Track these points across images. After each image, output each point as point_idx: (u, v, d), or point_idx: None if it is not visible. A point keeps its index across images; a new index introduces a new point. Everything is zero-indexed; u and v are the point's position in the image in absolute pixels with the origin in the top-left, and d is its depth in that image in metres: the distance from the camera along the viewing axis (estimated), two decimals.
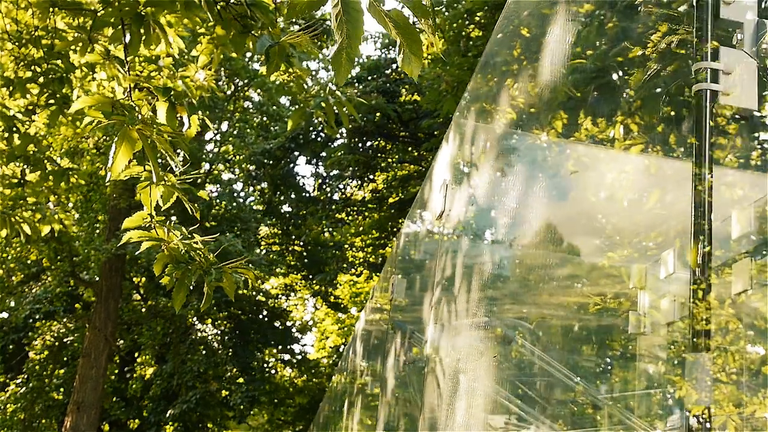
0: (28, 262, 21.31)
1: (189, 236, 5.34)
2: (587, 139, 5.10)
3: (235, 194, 25.86)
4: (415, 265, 6.65)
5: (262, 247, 28.08)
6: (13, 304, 21.87)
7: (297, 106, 9.01)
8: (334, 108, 8.22)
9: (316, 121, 8.00)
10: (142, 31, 5.87)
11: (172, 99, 5.66)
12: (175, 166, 5.30)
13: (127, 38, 5.88)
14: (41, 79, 8.62)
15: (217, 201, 24.25)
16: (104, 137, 14.99)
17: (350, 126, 23.09)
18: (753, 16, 2.93)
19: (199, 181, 25.43)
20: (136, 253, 5.42)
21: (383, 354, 6.97)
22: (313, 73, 26.74)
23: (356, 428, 8.73)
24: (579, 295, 5.99)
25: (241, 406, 23.39)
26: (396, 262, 7.46)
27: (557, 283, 5.63)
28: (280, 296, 30.71)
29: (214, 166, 26.94)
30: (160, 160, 5.12)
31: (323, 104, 8.23)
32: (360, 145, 24.58)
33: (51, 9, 7.10)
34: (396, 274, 6.77)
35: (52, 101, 8.77)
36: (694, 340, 2.94)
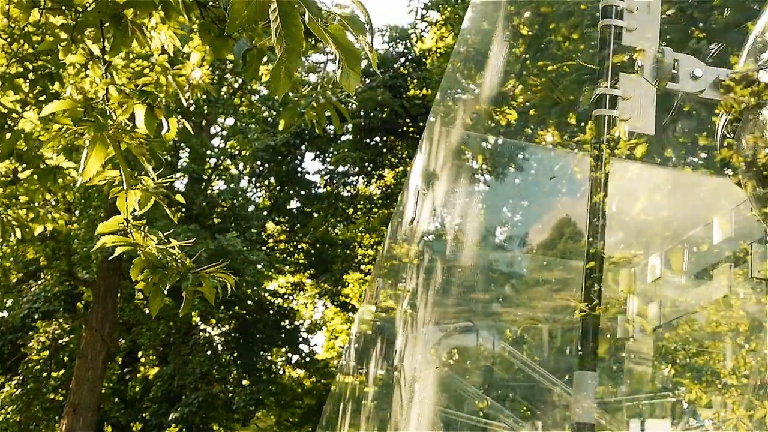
0: (28, 260, 21.38)
1: (165, 240, 5.46)
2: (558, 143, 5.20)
3: (239, 191, 25.91)
4: (394, 271, 6.76)
5: (269, 244, 28.15)
6: (10, 303, 21.93)
7: (288, 105, 9.11)
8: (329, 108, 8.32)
9: (312, 120, 8.08)
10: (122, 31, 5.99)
11: (150, 102, 5.76)
12: (152, 170, 5.42)
13: (109, 39, 6.02)
14: (31, 75, 8.74)
15: (222, 198, 24.31)
16: None
17: (353, 122, 23.16)
18: (654, 43, 3.04)
19: (205, 176, 25.54)
20: (111, 256, 5.53)
21: (368, 358, 7.08)
22: (321, 66, 26.81)
23: (347, 431, 8.85)
24: (555, 299, 6.08)
25: (244, 409, 23.45)
26: (380, 266, 7.57)
27: (527, 288, 5.73)
28: (287, 295, 30.72)
29: (221, 162, 27.04)
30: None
31: (314, 104, 8.32)
32: (367, 141, 24.63)
33: (35, 6, 7.20)
34: (380, 278, 6.88)
35: (42, 98, 8.89)
36: (582, 357, 3.03)
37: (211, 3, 5.73)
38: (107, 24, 5.87)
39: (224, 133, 27.18)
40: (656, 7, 2.95)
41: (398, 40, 24.91)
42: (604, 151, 3.08)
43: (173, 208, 5.56)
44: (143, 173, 5.44)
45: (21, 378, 21.95)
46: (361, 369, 8.27)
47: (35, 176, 9.22)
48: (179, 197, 5.59)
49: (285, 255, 28.75)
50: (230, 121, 27.27)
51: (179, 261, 5.41)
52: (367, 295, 8.80)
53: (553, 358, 6.67)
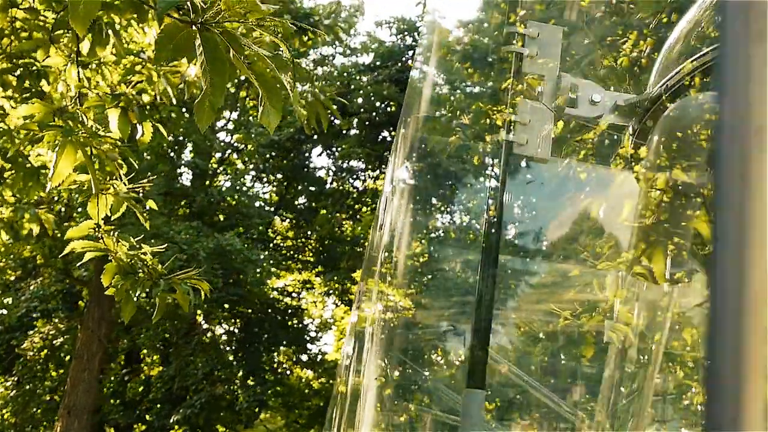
0: (25, 257, 21.41)
1: (137, 246, 5.57)
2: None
3: (242, 188, 25.96)
4: (371, 276, 6.85)
5: (277, 241, 28.21)
6: (9, 302, 21.96)
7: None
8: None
9: (302, 119, 8.22)
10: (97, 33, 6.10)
11: (123, 106, 5.87)
12: (123, 175, 5.53)
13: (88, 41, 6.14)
14: (19, 72, 8.86)
15: (221, 194, 24.35)
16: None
17: (359, 117, 23.19)
18: (555, 70, 3.13)
19: (210, 172, 25.65)
20: (82, 261, 5.65)
21: (350, 363, 7.20)
22: (329, 58, 26.90)
23: None
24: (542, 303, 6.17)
25: (248, 410, 23.48)
26: (364, 269, 7.68)
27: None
28: (295, 294, 30.61)
29: (228, 156, 27.11)
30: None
31: (302, 101, 8.41)
32: (374, 136, 24.66)
33: (14, 6, 7.30)
34: (362, 282, 6.98)
35: (27, 95, 9.00)
36: (470, 374, 3.13)
37: (186, 6, 5.82)
38: None
39: (230, 126, 27.24)
40: (558, 35, 3.05)
41: (406, 33, 24.94)
42: (506, 174, 3.17)
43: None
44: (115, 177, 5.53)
45: (16, 379, 22.00)
46: (347, 373, 8.39)
47: (19, 177, 9.30)
48: (151, 203, 5.69)
49: (292, 252, 28.79)
50: (236, 114, 27.31)
51: (151, 267, 5.51)
52: (355, 299, 8.94)
53: (536, 363, 6.75)
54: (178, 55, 2.88)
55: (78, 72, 5.97)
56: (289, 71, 2.91)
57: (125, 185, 5.59)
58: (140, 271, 5.49)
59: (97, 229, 5.48)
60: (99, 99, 5.82)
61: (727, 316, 0.76)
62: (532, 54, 3.15)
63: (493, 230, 3.18)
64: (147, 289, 5.59)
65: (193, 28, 2.82)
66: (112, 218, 5.58)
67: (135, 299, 5.49)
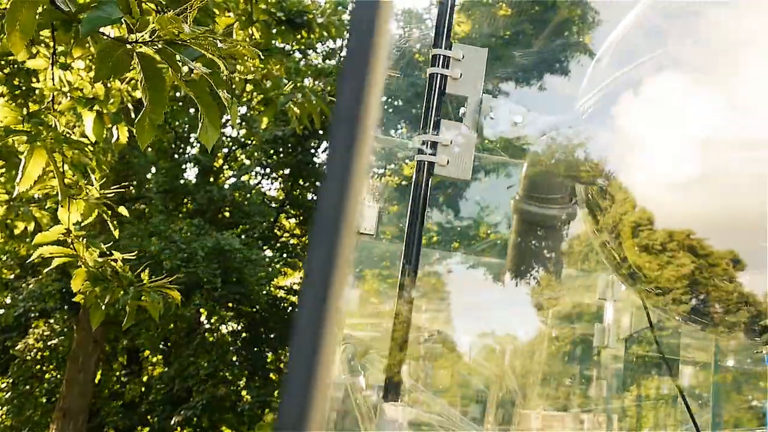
0: (23, 255, 21.35)
1: (108, 252, 5.61)
2: None
3: (243, 184, 25.96)
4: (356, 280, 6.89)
5: (284, 239, 28.21)
6: (4, 300, 21.90)
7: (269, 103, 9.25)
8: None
9: (295, 117, 8.24)
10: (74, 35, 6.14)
11: (98, 109, 5.92)
12: (95, 180, 5.58)
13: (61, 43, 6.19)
14: (7, 70, 8.95)
15: (220, 192, 24.34)
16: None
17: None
18: (478, 92, 3.17)
19: (215, 168, 25.68)
20: (49, 267, 5.71)
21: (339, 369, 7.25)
22: (337, 51, 26.90)
23: None
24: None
25: (250, 412, 23.43)
26: (353, 272, 7.69)
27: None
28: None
29: (234, 151, 27.11)
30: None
31: (293, 100, 8.44)
32: (379, 132, 24.58)
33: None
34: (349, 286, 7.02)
35: (17, 92, 9.08)
36: (387, 389, 3.16)
37: (164, 10, 5.86)
38: (58, 30, 6.02)
39: (237, 121, 27.19)
40: (482, 57, 3.09)
41: (413, 26, 24.84)
42: (425, 195, 3.21)
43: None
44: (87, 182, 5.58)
45: (11, 381, 21.93)
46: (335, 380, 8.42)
47: (9, 173, 9.38)
48: (122, 209, 5.74)
49: (300, 249, 28.78)
50: (243, 109, 27.29)
51: (120, 275, 5.55)
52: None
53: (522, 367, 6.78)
54: (117, 72, 2.92)
55: (53, 75, 6.01)
56: (226, 88, 2.95)
57: (97, 190, 5.63)
58: (110, 277, 5.53)
59: (67, 234, 5.52)
60: (73, 102, 5.87)
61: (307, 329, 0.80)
62: (455, 76, 3.19)
63: (412, 250, 3.21)
64: (117, 297, 5.63)
65: (128, 46, 2.86)
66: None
67: (104, 306, 5.53)
